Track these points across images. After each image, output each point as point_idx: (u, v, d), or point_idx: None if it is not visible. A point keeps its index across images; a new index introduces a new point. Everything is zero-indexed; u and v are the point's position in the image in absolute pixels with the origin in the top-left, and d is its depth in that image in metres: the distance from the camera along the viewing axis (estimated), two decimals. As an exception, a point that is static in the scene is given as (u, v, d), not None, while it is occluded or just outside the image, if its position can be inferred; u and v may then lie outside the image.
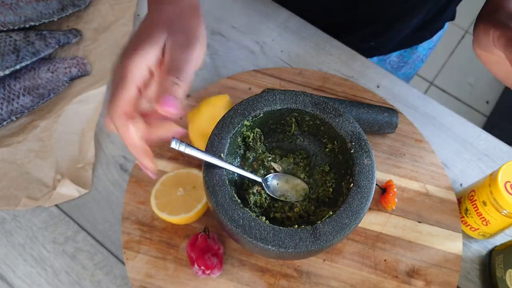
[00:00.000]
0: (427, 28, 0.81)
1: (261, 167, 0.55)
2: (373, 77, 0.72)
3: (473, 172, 0.65)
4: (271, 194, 0.53)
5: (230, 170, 0.49)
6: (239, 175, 0.54)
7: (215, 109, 0.59)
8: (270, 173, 0.55)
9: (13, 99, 0.64)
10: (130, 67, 0.41)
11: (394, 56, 0.85)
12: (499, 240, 0.61)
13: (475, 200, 0.56)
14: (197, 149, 0.46)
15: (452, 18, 0.83)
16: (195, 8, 0.47)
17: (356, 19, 0.77)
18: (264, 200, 0.52)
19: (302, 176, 0.56)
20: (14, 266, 0.57)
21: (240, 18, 0.76)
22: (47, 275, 0.57)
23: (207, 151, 0.49)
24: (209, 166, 0.48)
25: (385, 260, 0.57)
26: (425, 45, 0.85)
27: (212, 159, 0.47)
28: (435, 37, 0.85)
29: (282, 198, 0.53)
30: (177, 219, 0.55)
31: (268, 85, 0.68)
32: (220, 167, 0.48)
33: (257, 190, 0.52)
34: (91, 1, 0.75)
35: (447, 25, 0.85)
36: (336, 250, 0.58)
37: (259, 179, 0.52)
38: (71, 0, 0.72)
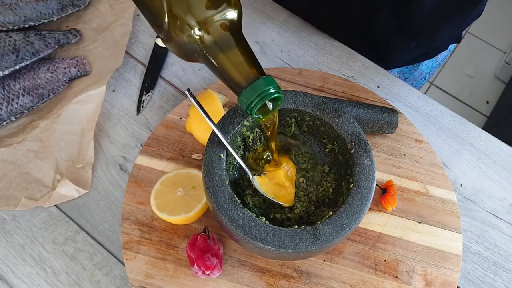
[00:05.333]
0: (430, 48, 0.78)
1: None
2: (373, 77, 0.72)
3: (473, 172, 0.65)
4: (259, 190, 0.52)
5: (230, 152, 0.49)
6: (240, 175, 0.54)
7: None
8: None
9: (12, 99, 0.64)
10: None
11: (394, 72, 0.83)
12: (500, 240, 0.61)
13: None
14: (205, 111, 0.46)
15: (457, 40, 0.80)
16: None
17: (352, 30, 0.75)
18: (262, 201, 0.52)
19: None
20: (13, 266, 0.57)
21: (240, 18, 0.76)
22: (46, 275, 0.57)
23: (208, 150, 0.49)
24: (209, 166, 0.48)
25: (385, 261, 0.57)
26: (428, 63, 0.82)
27: (215, 127, 0.47)
28: (439, 56, 0.82)
29: (269, 197, 0.52)
30: (177, 219, 0.55)
31: (268, 85, 0.68)
32: (220, 166, 0.48)
33: (253, 191, 0.52)
34: (91, 1, 0.75)
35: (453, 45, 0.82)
36: (336, 250, 0.58)
37: (249, 174, 0.51)
38: (71, 0, 0.72)
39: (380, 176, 0.62)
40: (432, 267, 0.57)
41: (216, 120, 0.52)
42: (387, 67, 0.76)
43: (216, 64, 0.42)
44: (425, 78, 0.87)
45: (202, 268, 0.52)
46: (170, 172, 0.58)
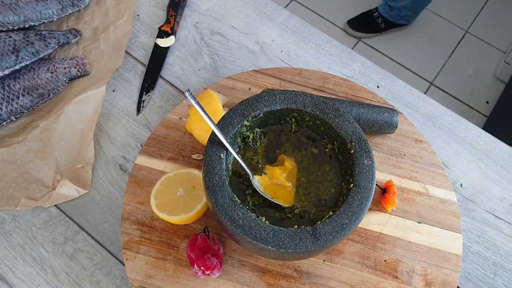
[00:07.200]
0: None
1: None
2: (373, 77, 0.72)
3: (473, 172, 0.65)
4: (259, 191, 0.52)
5: (230, 151, 0.49)
6: (240, 175, 0.54)
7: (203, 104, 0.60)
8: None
9: (12, 99, 0.64)
10: None
11: None
12: (500, 240, 0.61)
13: None
14: (205, 112, 0.46)
15: None
16: None
17: None
18: (262, 201, 0.52)
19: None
20: (13, 266, 0.57)
21: (240, 18, 0.76)
22: (46, 275, 0.57)
23: (208, 150, 0.49)
24: (209, 166, 0.48)
25: (385, 261, 0.57)
26: None
27: (215, 127, 0.47)
28: None
29: (269, 197, 0.52)
30: (177, 219, 0.55)
31: (268, 85, 0.68)
32: (220, 166, 0.48)
33: (253, 191, 0.52)
34: (91, 1, 0.75)
35: None
36: (336, 250, 0.58)
37: (250, 174, 0.51)
38: (71, 0, 0.72)
39: (380, 176, 0.62)
40: (432, 267, 0.57)
41: (216, 120, 0.52)
42: None
43: None
44: None
45: (202, 268, 0.52)
46: (170, 172, 0.58)
